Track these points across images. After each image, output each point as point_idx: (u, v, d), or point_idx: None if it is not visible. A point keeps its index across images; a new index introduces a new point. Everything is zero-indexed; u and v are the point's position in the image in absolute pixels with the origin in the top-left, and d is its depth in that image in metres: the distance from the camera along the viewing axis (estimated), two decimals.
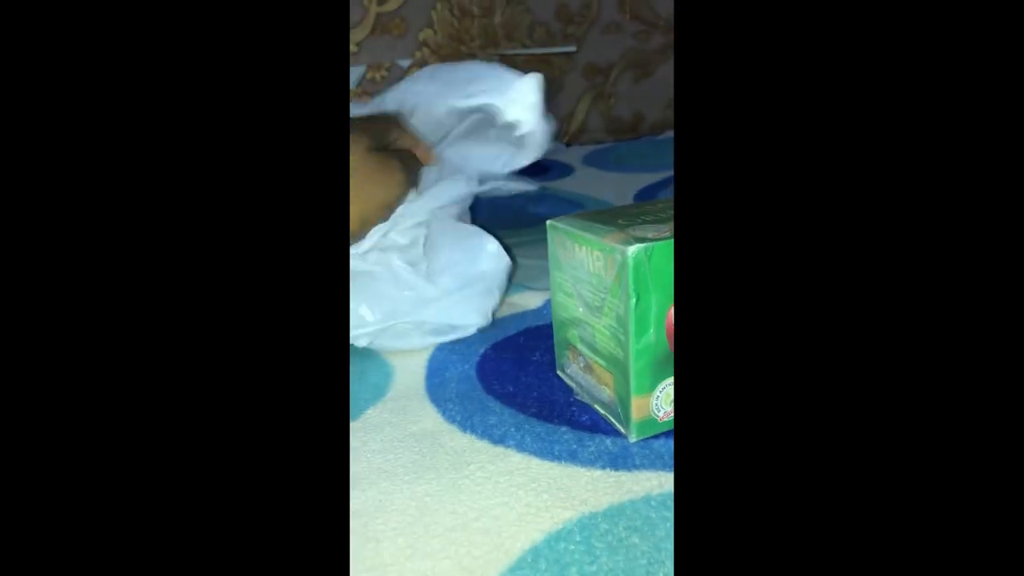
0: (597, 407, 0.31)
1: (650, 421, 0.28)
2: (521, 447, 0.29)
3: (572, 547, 0.23)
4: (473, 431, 0.30)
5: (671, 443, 0.28)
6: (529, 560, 0.23)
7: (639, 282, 0.26)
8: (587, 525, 0.24)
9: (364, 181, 0.34)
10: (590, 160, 0.91)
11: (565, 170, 0.87)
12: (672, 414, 0.29)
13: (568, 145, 1.02)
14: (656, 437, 0.29)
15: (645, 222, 0.29)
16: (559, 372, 0.35)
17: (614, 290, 0.27)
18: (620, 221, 0.29)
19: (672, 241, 0.26)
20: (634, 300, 0.26)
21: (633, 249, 0.26)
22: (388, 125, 0.39)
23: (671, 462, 0.27)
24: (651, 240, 0.26)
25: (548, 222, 0.32)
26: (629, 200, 0.70)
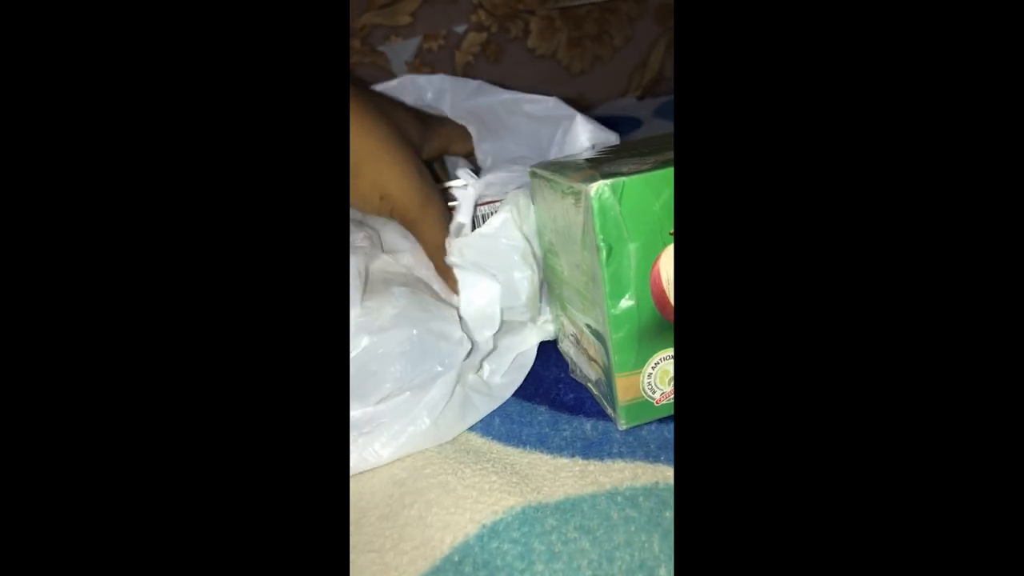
0: (590, 387, 0.26)
1: (642, 404, 0.23)
2: (486, 431, 0.24)
3: (507, 546, 0.19)
4: None
5: (665, 429, 0.23)
6: (455, 560, 0.19)
7: (608, 229, 0.20)
8: (531, 518, 0.19)
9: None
10: (661, 112, 0.82)
11: (633, 124, 0.79)
12: (672, 395, 0.23)
13: (641, 99, 0.93)
14: (649, 424, 0.23)
15: (632, 156, 0.23)
16: (559, 345, 0.30)
17: (584, 241, 0.22)
18: (602, 157, 0.24)
19: (653, 174, 0.20)
20: (604, 253, 0.21)
21: (596, 187, 0.20)
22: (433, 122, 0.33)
23: (656, 452, 0.22)
24: (623, 175, 0.20)
25: (529, 168, 0.27)
26: None
